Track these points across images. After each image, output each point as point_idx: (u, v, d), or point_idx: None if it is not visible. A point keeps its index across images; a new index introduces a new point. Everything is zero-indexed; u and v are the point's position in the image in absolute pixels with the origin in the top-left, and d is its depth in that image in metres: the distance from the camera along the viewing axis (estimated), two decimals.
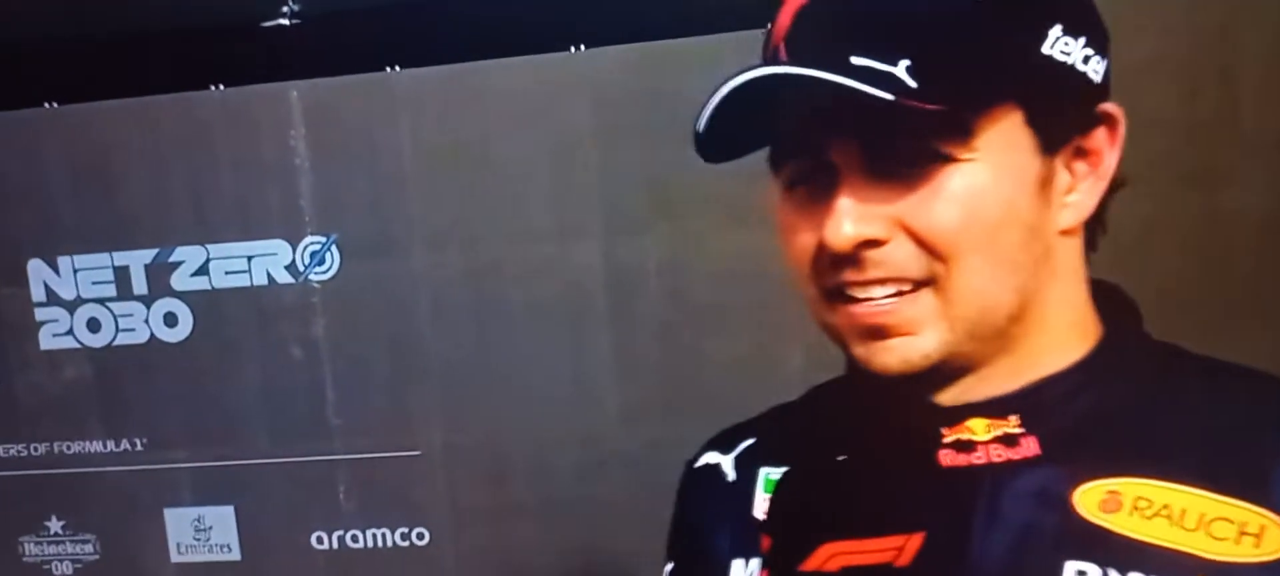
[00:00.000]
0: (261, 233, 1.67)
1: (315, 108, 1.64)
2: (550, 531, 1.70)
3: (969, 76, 0.56)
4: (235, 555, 1.77)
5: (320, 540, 1.75)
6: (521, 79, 1.60)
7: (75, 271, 1.73)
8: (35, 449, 1.80)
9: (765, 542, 0.70)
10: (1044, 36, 0.58)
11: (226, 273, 1.69)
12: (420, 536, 1.73)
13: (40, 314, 1.76)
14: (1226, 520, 0.57)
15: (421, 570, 1.73)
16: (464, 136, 1.62)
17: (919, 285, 0.58)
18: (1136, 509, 0.58)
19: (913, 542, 0.61)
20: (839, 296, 0.59)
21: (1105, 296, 0.65)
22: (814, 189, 0.59)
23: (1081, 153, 0.61)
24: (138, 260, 1.71)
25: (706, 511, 0.75)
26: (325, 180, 1.65)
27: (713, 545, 0.72)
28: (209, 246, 1.69)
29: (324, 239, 1.66)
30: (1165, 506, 0.58)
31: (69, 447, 1.79)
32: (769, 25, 0.62)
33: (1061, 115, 0.59)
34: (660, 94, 1.52)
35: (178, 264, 1.70)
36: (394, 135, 1.63)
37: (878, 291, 0.58)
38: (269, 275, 1.68)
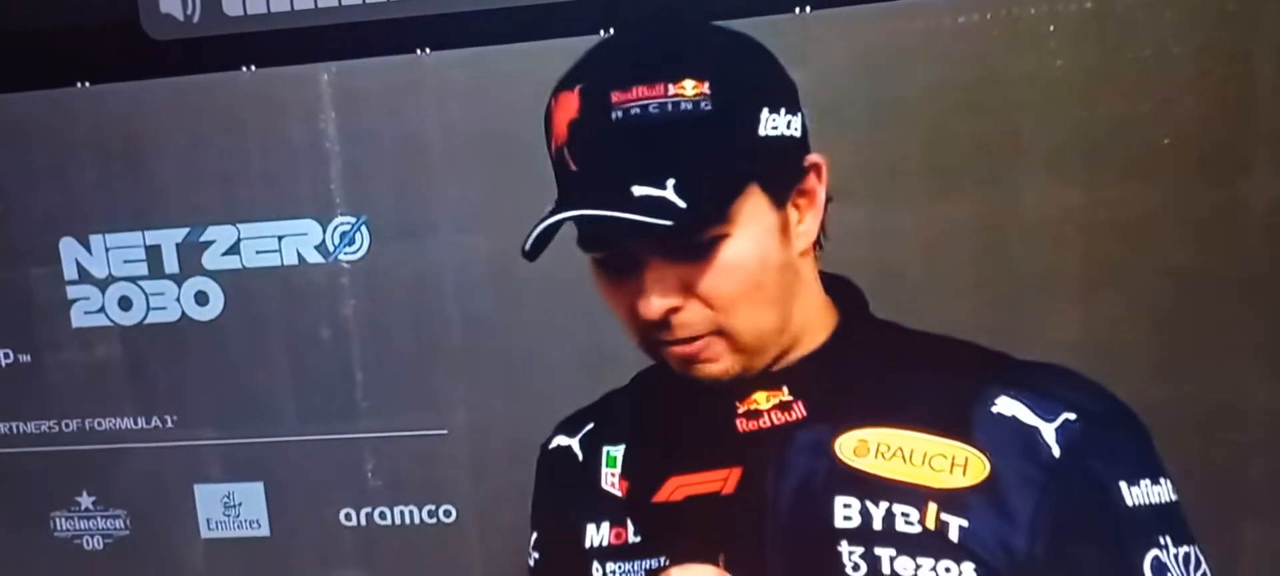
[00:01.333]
0: (292, 213, 1.69)
1: (345, 89, 1.65)
2: None
3: (718, 177, 0.72)
4: (264, 531, 1.80)
5: (348, 517, 1.77)
6: (552, 62, 1.60)
7: (107, 249, 1.75)
8: (67, 425, 1.82)
9: (623, 486, 0.88)
10: (758, 121, 0.75)
11: (257, 252, 1.71)
12: (447, 514, 1.75)
13: (72, 292, 1.78)
14: (942, 455, 0.75)
15: (448, 546, 1.76)
16: (493, 119, 1.64)
17: (711, 334, 0.76)
18: (879, 452, 0.76)
19: (734, 475, 0.79)
20: (655, 344, 0.79)
21: (838, 287, 0.85)
22: (620, 269, 0.77)
23: (801, 193, 0.79)
24: (169, 239, 1.73)
25: (561, 487, 0.94)
26: (355, 161, 1.67)
27: (569, 515, 0.90)
28: (240, 226, 1.71)
29: (354, 219, 1.68)
30: (899, 448, 0.76)
31: (100, 424, 1.81)
32: (546, 123, 0.81)
33: (784, 175, 0.77)
34: None
35: (209, 243, 1.72)
36: (423, 117, 1.65)
37: (680, 342, 0.76)
38: (299, 255, 1.70)
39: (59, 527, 1.86)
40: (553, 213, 0.75)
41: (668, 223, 0.69)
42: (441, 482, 1.75)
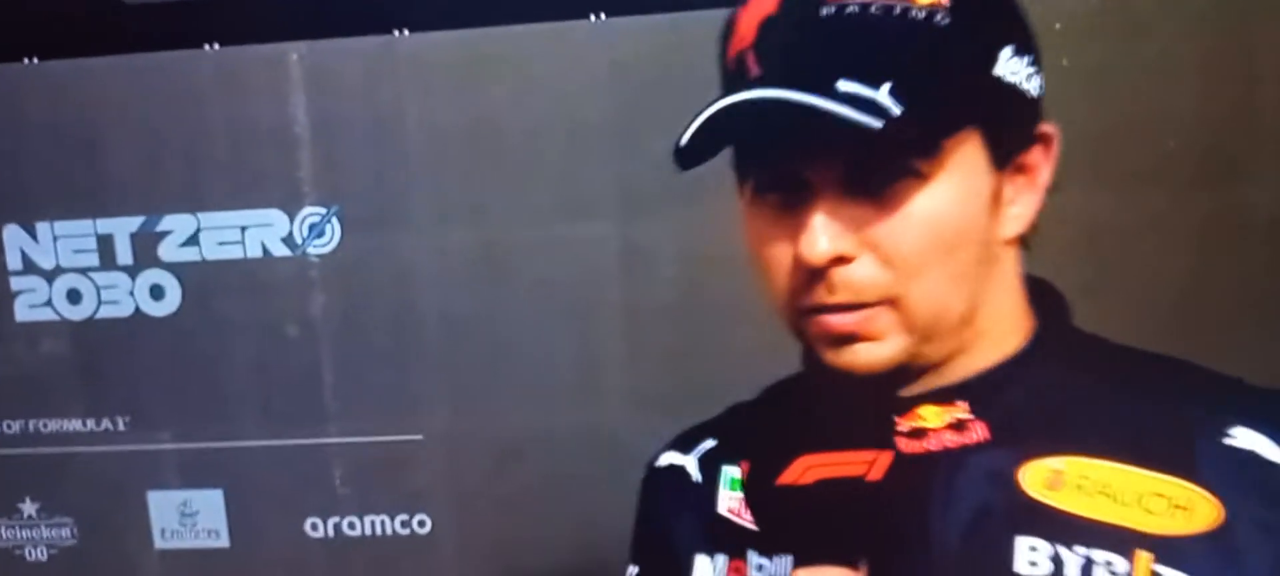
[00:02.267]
0: (257, 202, 1.58)
1: (317, 71, 1.54)
2: (555, 520, 1.63)
3: (941, 100, 0.59)
4: (223, 542, 1.69)
5: (315, 527, 1.67)
6: (537, 48, 1.52)
7: (55, 239, 1.63)
8: (9, 427, 1.70)
9: (744, 467, 0.74)
10: (996, 58, 0.62)
11: (218, 244, 1.60)
12: (421, 524, 1.65)
13: (16, 283, 1.65)
14: (1160, 495, 0.61)
15: (422, 558, 1.66)
16: (474, 107, 1.54)
17: (879, 303, 0.61)
18: (1079, 486, 0.62)
19: (884, 459, 0.65)
20: (807, 312, 0.63)
21: (1037, 291, 0.70)
22: (786, 200, 0.62)
23: (1021, 168, 0.65)
24: (123, 228, 1.61)
25: (672, 511, 0.78)
26: (326, 148, 1.56)
27: (678, 544, 0.75)
28: (200, 215, 1.59)
29: (325, 210, 1.57)
30: (1105, 483, 0.61)
31: (46, 426, 1.69)
32: (725, 31, 0.65)
33: (1010, 134, 0.63)
34: (681, 68, 1.44)
35: (166, 233, 1.60)
36: (400, 103, 1.54)
37: (841, 310, 0.62)
38: (264, 247, 1.59)
39: None
40: (728, 97, 0.59)
41: (877, 123, 0.56)
42: (416, 491, 1.65)
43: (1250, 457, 0.61)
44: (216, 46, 1.55)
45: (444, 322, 1.60)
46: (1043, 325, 0.68)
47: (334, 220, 1.57)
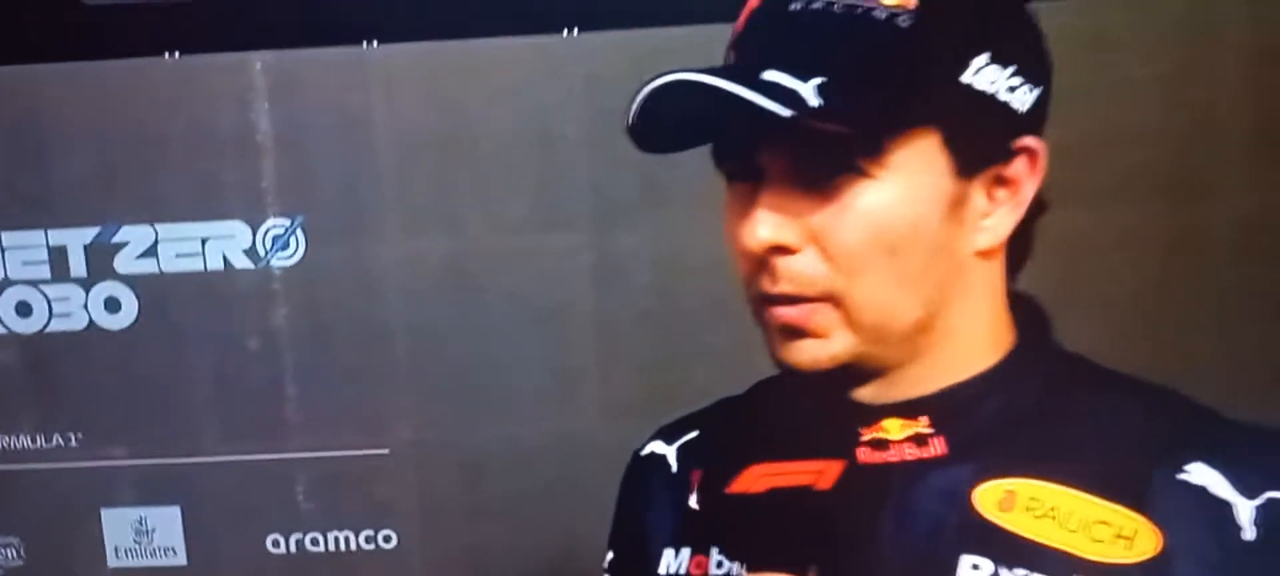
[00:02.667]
0: (218, 213, 1.54)
1: (281, 81, 1.52)
2: (525, 533, 1.63)
3: (883, 100, 0.59)
4: (180, 559, 1.65)
5: (276, 543, 1.64)
6: (509, 60, 1.51)
7: (4, 249, 1.57)
8: None
9: (696, 477, 0.75)
10: (967, 65, 0.61)
11: (177, 255, 1.56)
12: (387, 538, 1.64)
13: None
14: (1105, 523, 0.61)
15: (388, 573, 1.64)
16: (444, 118, 1.53)
17: (823, 298, 0.62)
18: (1028, 509, 0.62)
19: (834, 468, 0.66)
20: (758, 300, 0.64)
21: (1022, 307, 0.70)
22: (745, 188, 0.63)
23: (1001, 181, 0.64)
24: (77, 239, 1.56)
25: (647, 500, 0.78)
26: (291, 159, 1.53)
27: (649, 534, 0.76)
28: (158, 226, 1.55)
29: (288, 221, 1.54)
30: (1054, 508, 0.62)
31: None
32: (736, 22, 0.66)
33: (980, 142, 0.63)
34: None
35: (123, 244, 1.56)
36: (368, 114, 1.52)
37: (785, 301, 0.63)
38: (225, 259, 1.56)
39: None
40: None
41: (783, 110, 0.56)
42: (381, 505, 1.63)
43: (1200, 492, 0.61)
44: (177, 55, 1.51)
45: (412, 334, 1.59)
46: (1020, 344, 0.68)
47: (299, 231, 1.55)
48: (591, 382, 1.59)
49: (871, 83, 0.59)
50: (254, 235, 1.55)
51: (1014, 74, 0.62)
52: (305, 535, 1.63)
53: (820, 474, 0.66)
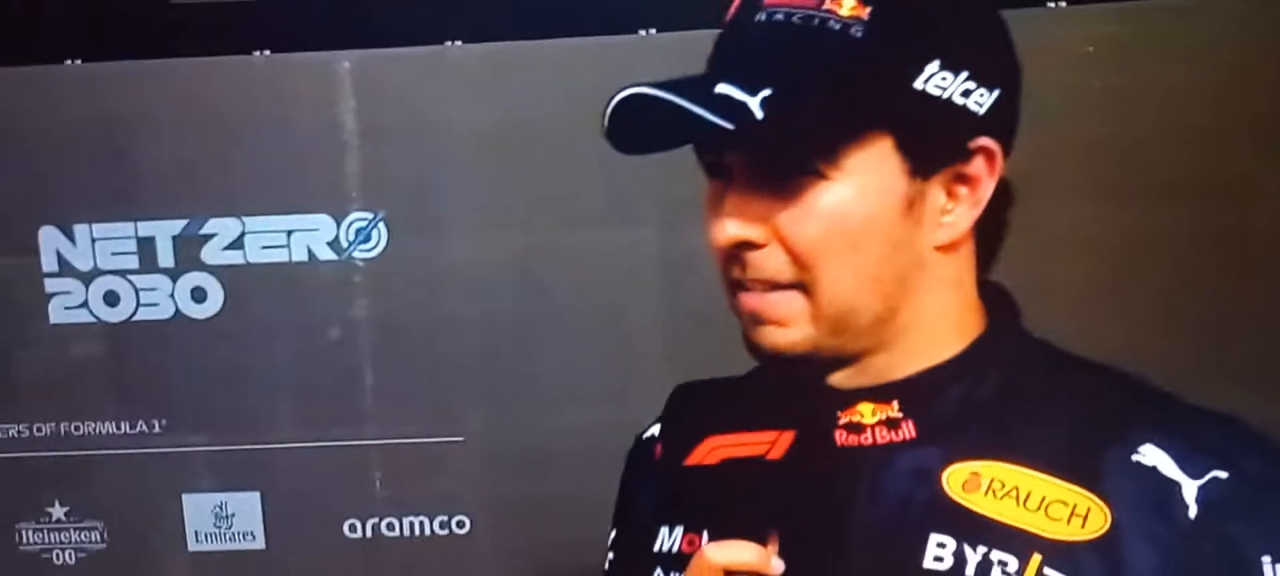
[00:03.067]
0: (303, 207, 1.60)
1: (366, 79, 1.57)
2: (592, 522, 1.66)
3: (832, 108, 0.64)
4: (259, 543, 1.69)
5: (353, 528, 1.68)
6: (584, 60, 1.57)
7: (93, 240, 1.63)
8: (39, 430, 1.69)
9: (658, 450, 0.81)
10: (919, 72, 0.65)
11: (263, 247, 1.62)
12: (460, 525, 1.68)
13: (51, 285, 1.65)
14: (1062, 502, 0.65)
15: (460, 560, 1.68)
16: (520, 115, 1.58)
17: (789, 287, 0.67)
18: (991, 489, 0.67)
19: (785, 438, 0.72)
20: (731, 289, 0.70)
21: (992, 296, 0.74)
22: (717, 186, 0.69)
23: (961, 178, 0.68)
24: (165, 231, 1.62)
25: (643, 481, 0.85)
26: (374, 155, 1.59)
27: (646, 512, 0.81)
28: (245, 219, 1.61)
29: (371, 215, 1.60)
30: (1014, 488, 0.66)
31: (78, 429, 1.68)
32: None
33: (935, 144, 0.67)
34: None
35: (210, 236, 1.62)
36: (447, 111, 1.58)
37: (755, 288, 0.68)
38: (310, 251, 1.61)
39: (26, 540, 1.72)
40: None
41: (725, 124, 0.61)
42: (454, 492, 1.67)
43: (1150, 472, 0.65)
44: (267, 54, 1.57)
45: (485, 325, 1.64)
46: (988, 331, 0.72)
47: (380, 225, 1.60)
48: (658, 376, 1.64)
49: (821, 92, 0.64)
50: (338, 228, 1.60)
51: (968, 78, 0.66)
52: (381, 520, 1.68)
53: (773, 443, 0.72)
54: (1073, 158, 1.49)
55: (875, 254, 0.67)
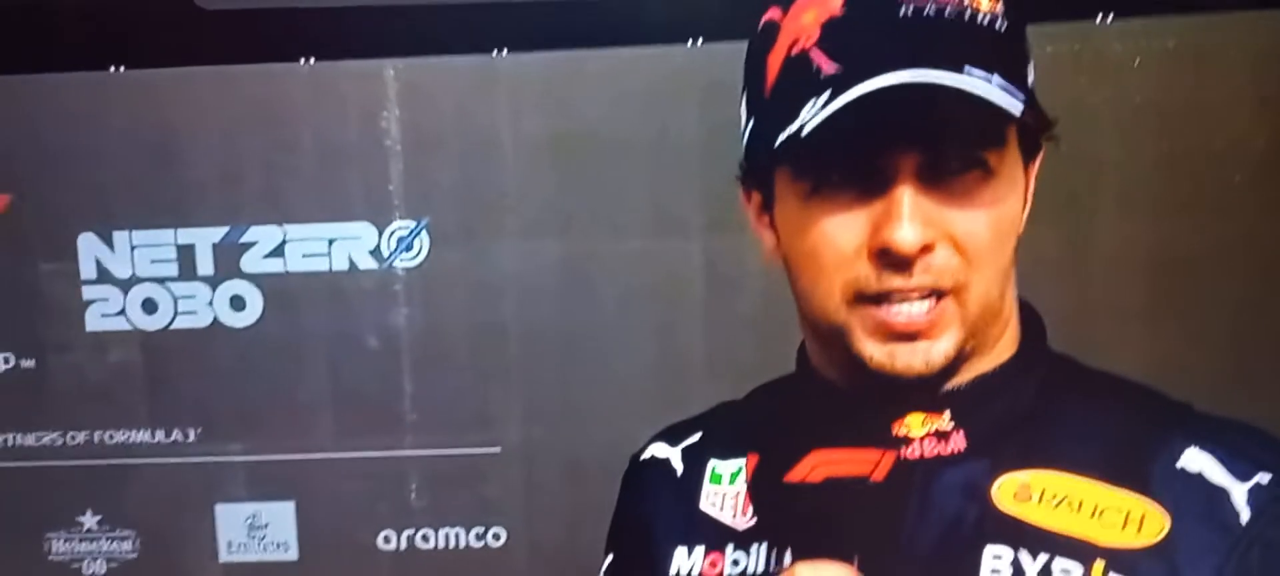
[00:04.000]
0: (346, 215, 1.60)
1: (412, 88, 1.58)
2: None
3: (1021, 94, 0.62)
4: (292, 554, 1.68)
5: (387, 539, 1.67)
6: (629, 69, 1.57)
7: (132, 248, 1.63)
8: (73, 438, 1.68)
9: (752, 460, 0.75)
10: (1030, 65, 0.66)
11: (304, 255, 1.61)
12: (496, 537, 1.67)
13: (88, 292, 1.64)
14: (1115, 509, 0.65)
15: (496, 571, 1.67)
16: (565, 125, 1.59)
17: (947, 292, 0.63)
18: (1043, 498, 0.65)
19: (888, 459, 0.67)
20: (872, 299, 0.64)
21: (1021, 309, 0.72)
22: (860, 193, 0.63)
23: (1029, 173, 0.68)
24: (205, 239, 1.62)
25: (653, 502, 0.80)
26: (418, 163, 1.59)
27: (658, 534, 0.77)
28: (286, 227, 1.61)
29: (414, 223, 1.60)
30: (1066, 497, 0.65)
31: (112, 437, 1.67)
32: (764, 36, 0.66)
33: (1032, 134, 0.66)
34: None
35: (250, 244, 1.61)
36: (493, 120, 1.58)
37: (915, 296, 0.63)
38: (351, 259, 1.61)
39: (55, 550, 1.70)
40: (850, 85, 0.60)
41: (1018, 107, 0.60)
42: (492, 503, 1.66)
43: (1197, 478, 0.65)
44: (312, 61, 1.57)
45: (526, 336, 1.63)
46: (1025, 341, 0.71)
47: (423, 233, 1.60)
48: (700, 386, 1.63)
49: (1011, 77, 0.62)
50: (380, 237, 1.60)
51: (1033, 69, 0.67)
52: (417, 531, 1.67)
53: (877, 464, 0.68)
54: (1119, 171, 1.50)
55: (1011, 249, 0.66)
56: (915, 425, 0.68)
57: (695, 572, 0.75)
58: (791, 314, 1.68)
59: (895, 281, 0.63)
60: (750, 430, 0.78)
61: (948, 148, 0.62)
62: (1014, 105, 0.60)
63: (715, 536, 0.75)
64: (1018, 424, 0.68)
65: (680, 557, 0.75)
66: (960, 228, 0.63)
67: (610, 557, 0.85)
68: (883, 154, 0.63)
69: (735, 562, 0.74)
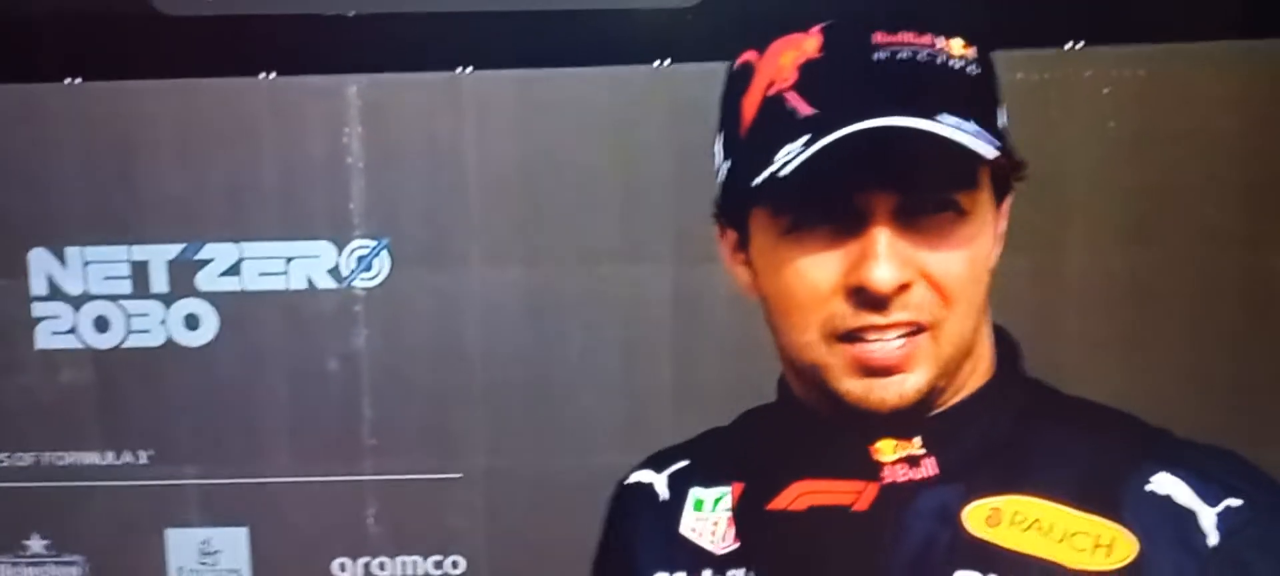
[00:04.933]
0: (304, 233, 1.56)
1: (375, 105, 1.54)
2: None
3: (990, 137, 0.64)
4: None
5: (343, 567, 1.63)
6: (598, 91, 1.55)
7: (85, 264, 1.58)
8: (19, 459, 1.62)
9: (737, 490, 0.77)
10: (1000, 109, 0.68)
11: (261, 274, 1.57)
12: (454, 564, 1.63)
13: (38, 309, 1.59)
14: (1085, 533, 0.66)
15: None
16: (532, 146, 1.56)
17: (923, 328, 0.65)
18: (1014, 523, 0.67)
19: (871, 490, 0.69)
20: (848, 337, 0.66)
21: (997, 334, 0.74)
22: (836, 231, 0.65)
23: (1001, 212, 0.71)
24: (160, 255, 1.57)
25: (637, 528, 0.82)
26: (380, 181, 1.56)
27: (640, 560, 0.79)
28: (243, 244, 1.57)
29: (374, 243, 1.56)
30: (1036, 520, 0.66)
31: (61, 459, 1.62)
32: (739, 77, 0.68)
33: (1004, 173, 0.68)
34: None
35: (206, 261, 1.57)
36: (458, 139, 1.55)
37: (891, 333, 0.65)
38: (309, 279, 1.57)
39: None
40: (828, 129, 0.61)
41: (992, 152, 0.61)
42: (452, 531, 1.62)
43: (1166, 501, 0.66)
44: (272, 76, 1.54)
45: (490, 360, 1.60)
46: (1000, 368, 0.73)
47: (384, 253, 1.56)
48: (667, 414, 1.60)
49: (989, 123, 0.65)
50: (339, 255, 1.56)
51: (1004, 113, 0.69)
52: (374, 559, 1.62)
53: (860, 494, 0.69)
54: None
55: (984, 286, 0.68)
56: (887, 450, 0.69)
57: None
58: (760, 341, 1.65)
59: (871, 319, 0.65)
60: (735, 458, 0.80)
61: (922, 189, 0.64)
62: (987, 150, 0.61)
63: (695, 562, 0.76)
64: (991, 449, 0.69)
65: None
66: (935, 267, 0.64)
67: None
68: (859, 195, 0.64)
69: (740, 546, 0.75)
